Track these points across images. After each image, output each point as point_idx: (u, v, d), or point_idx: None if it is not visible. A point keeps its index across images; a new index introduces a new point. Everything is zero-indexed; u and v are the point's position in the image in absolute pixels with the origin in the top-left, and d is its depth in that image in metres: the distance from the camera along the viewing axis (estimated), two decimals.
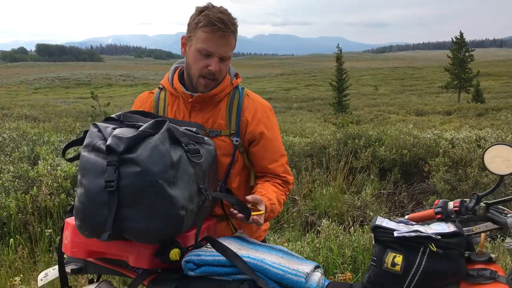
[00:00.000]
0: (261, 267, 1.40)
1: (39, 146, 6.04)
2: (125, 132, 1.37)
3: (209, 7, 1.75)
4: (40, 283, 1.66)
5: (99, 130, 1.42)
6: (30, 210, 4.15)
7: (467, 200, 1.58)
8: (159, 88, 1.98)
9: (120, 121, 1.52)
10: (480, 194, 1.55)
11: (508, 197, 1.51)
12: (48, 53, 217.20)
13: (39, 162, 5.24)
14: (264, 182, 1.91)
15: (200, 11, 1.75)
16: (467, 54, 39.67)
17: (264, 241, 2.08)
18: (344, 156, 7.39)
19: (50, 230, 4.01)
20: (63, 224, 1.56)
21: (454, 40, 40.65)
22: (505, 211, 1.52)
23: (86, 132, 1.46)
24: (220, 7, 1.77)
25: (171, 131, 1.42)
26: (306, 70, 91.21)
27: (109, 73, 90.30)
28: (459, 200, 1.59)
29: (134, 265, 1.46)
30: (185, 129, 1.58)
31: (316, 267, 1.56)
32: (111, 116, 1.55)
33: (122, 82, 77.14)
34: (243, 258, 1.42)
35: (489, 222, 1.55)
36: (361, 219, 5.24)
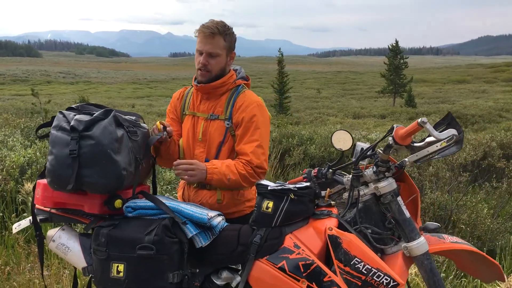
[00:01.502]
0: (178, 209, 2.03)
1: None
2: (83, 117, 1.99)
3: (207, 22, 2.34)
4: (14, 231, 2.21)
5: (64, 116, 2.02)
6: None
7: (323, 168, 2.27)
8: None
9: (78, 110, 2.11)
10: (330, 164, 2.24)
11: (345, 163, 2.23)
12: None
13: None
14: None
15: None
16: (402, 61, 41.92)
17: (246, 217, 2.33)
18: (278, 154, 8.08)
19: (1, 214, 4.41)
20: (35, 183, 2.12)
21: (390, 47, 42.84)
22: (345, 175, 2.23)
23: (53, 117, 2.04)
24: (215, 20, 2.34)
25: (116, 117, 2.04)
26: (253, 72, 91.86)
27: (48, 70, 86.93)
28: (317, 168, 2.28)
29: (89, 211, 2.05)
30: (128, 116, 2.18)
31: (220, 215, 2.20)
32: (72, 106, 2.13)
33: (62, 80, 74.44)
34: (166, 204, 2.05)
35: (339, 185, 2.25)
36: None
